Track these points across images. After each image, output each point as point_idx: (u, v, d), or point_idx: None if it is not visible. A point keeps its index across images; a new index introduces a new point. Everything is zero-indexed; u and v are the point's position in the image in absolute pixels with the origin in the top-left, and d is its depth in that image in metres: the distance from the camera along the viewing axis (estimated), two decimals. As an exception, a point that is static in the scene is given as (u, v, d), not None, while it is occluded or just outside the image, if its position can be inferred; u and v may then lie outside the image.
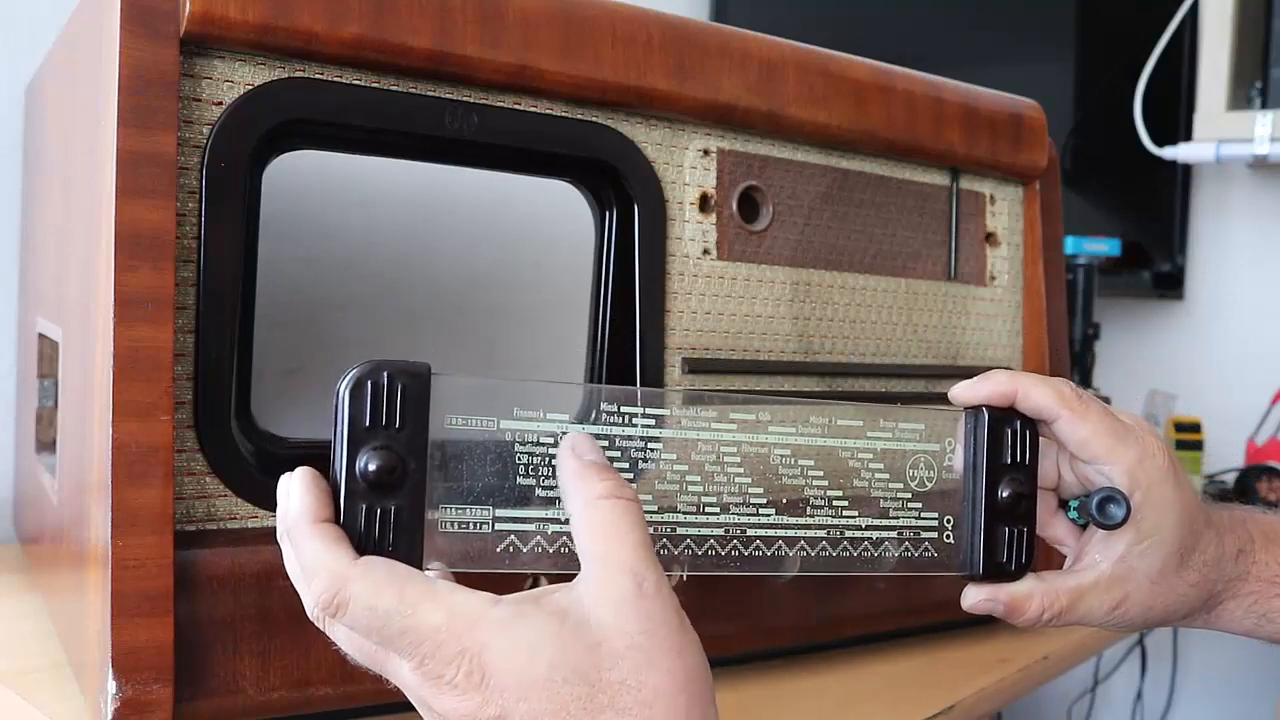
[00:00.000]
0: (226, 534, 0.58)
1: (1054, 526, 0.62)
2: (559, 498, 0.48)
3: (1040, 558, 0.59)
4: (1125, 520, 0.57)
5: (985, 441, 0.57)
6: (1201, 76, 1.46)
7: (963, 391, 0.59)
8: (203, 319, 0.57)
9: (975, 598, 0.59)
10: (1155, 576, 0.59)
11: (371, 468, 0.44)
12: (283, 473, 0.60)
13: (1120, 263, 1.52)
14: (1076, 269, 1.41)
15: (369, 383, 0.44)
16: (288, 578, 0.58)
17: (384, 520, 0.45)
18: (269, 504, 0.60)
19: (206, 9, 0.56)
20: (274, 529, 0.59)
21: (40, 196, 0.86)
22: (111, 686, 0.53)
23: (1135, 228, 1.61)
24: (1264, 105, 1.46)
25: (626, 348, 0.70)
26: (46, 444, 0.87)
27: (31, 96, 0.95)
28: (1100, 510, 0.57)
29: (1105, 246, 1.45)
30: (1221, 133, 1.44)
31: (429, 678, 0.42)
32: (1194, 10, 1.49)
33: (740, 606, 0.74)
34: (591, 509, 0.45)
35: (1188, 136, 1.49)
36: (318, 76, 0.61)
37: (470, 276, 1.16)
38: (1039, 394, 0.58)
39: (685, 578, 0.70)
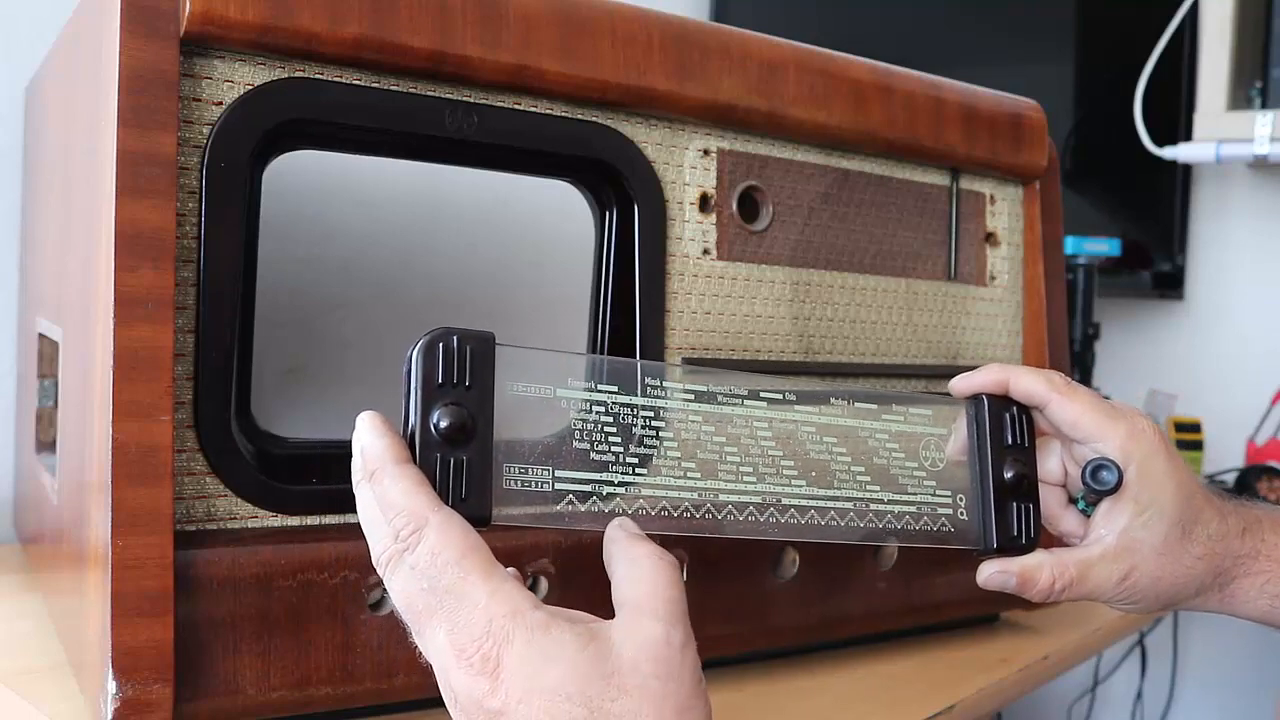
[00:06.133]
0: (226, 534, 0.58)
1: (1064, 521, 0.65)
2: (612, 460, 0.52)
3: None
4: (1119, 484, 0.60)
5: (987, 425, 0.62)
6: (1201, 76, 1.46)
7: (960, 382, 0.64)
8: (203, 319, 0.57)
9: (989, 571, 0.62)
10: (1160, 548, 0.61)
11: (444, 423, 0.47)
12: (282, 473, 0.61)
13: (1120, 263, 1.52)
14: (1076, 269, 1.41)
15: (440, 345, 0.48)
16: (287, 578, 0.59)
17: (456, 471, 0.48)
18: (269, 504, 0.60)
19: (206, 9, 0.56)
20: (274, 529, 0.59)
21: (40, 196, 0.86)
22: (111, 686, 0.53)
23: (1135, 228, 1.61)
24: (1264, 105, 1.46)
25: (626, 348, 0.70)
26: (46, 444, 0.87)
27: (31, 96, 0.95)
28: (1094, 478, 0.61)
29: (1105, 246, 1.45)
30: (1221, 133, 1.44)
31: (454, 648, 0.44)
32: (1194, 10, 1.49)
33: (740, 606, 0.74)
34: (633, 564, 0.47)
35: (1188, 136, 1.49)
36: (318, 76, 0.61)
37: (469, 276, 1.16)
38: (1029, 381, 0.63)
39: (685, 577, 0.70)
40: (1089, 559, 0.61)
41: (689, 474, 0.54)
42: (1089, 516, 0.63)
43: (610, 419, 0.52)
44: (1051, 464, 0.64)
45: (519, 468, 0.49)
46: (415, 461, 0.48)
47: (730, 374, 0.57)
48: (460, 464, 0.48)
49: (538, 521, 0.50)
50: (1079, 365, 1.41)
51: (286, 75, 0.60)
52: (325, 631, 0.59)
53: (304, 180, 1.05)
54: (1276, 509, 0.66)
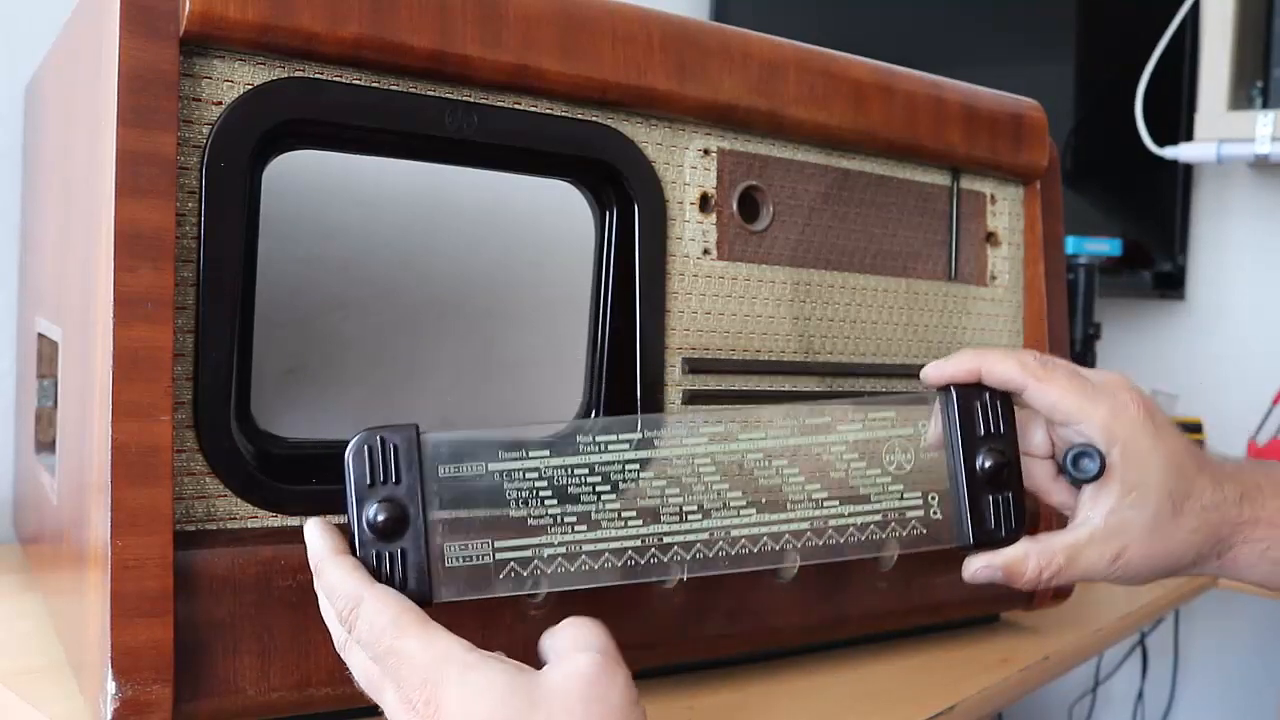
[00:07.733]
0: (226, 534, 0.58)
1: (1057, 493, 0.63)
2: (550, 523, 0.54)
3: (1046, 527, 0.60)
4: (1101, 472, 0.59)
5: (957, 417, 0.60)
6: (1202, 76, 1.46)
7: (931, 372, 0.62)
8: (203, 319, 0.57)
9: (974, 567, 0.61)
10: (1150, 525, 0.59)
11: (379, 519, 0.51)
12: (282, 473, 0.61)
13: (1121, 263, 1.52)
14: (1077, 269, 1.41)
15: (365, 447, 0.52)
16: (287, 578, 0.59)
17: (393, 561, 0.51)
18: (269, 504, 0.60)
19: (206, 9, 0.56)
20: (274, 529, 0.59)
21: (40, 196, 0.86)
22: (111, 686, 0.53)
23: (1136, 228, 1.61)
24: (1265, 105, 1.46)
25: (626, 348, 0.70)
26: (46, 444, 0.87)
27: (31, 96, 0.95)
28: (1075, 466, 0.60)
29: (1106, 246, 1.45)
30: (1222, 132, 1.44)
31: (403, 703, 0.46)
32: (1195, 10, 1.49)
33: (740, 606, 0.73)
34: (554, 637, 0.48)
35: (1189, 136, 1.49)
36: (318, 76, 0.61)
37: (470, 276, 1.16)
38: (1002, 367, 0.61)
39: (685, 579, 0.70)
40: (1077, 543, 0.59)
41: (630, 523, 0.55)
42: (1079, 487, 0.62)
43: (545, 483, 0.54)
44: (1037, 438, 0.63)
45: (459, 544, 0.52)
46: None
47: (670, 416, 0.58)
48: (395, 555, 0.51)
49: (482, 592, 0.52)
50: (1080, 365, 1.41)
51: (286, 75, 0.60)
52: (325, 631, 0.59)
53: (304, 180, 1.05)
54: (1277, 468, 0.64)
